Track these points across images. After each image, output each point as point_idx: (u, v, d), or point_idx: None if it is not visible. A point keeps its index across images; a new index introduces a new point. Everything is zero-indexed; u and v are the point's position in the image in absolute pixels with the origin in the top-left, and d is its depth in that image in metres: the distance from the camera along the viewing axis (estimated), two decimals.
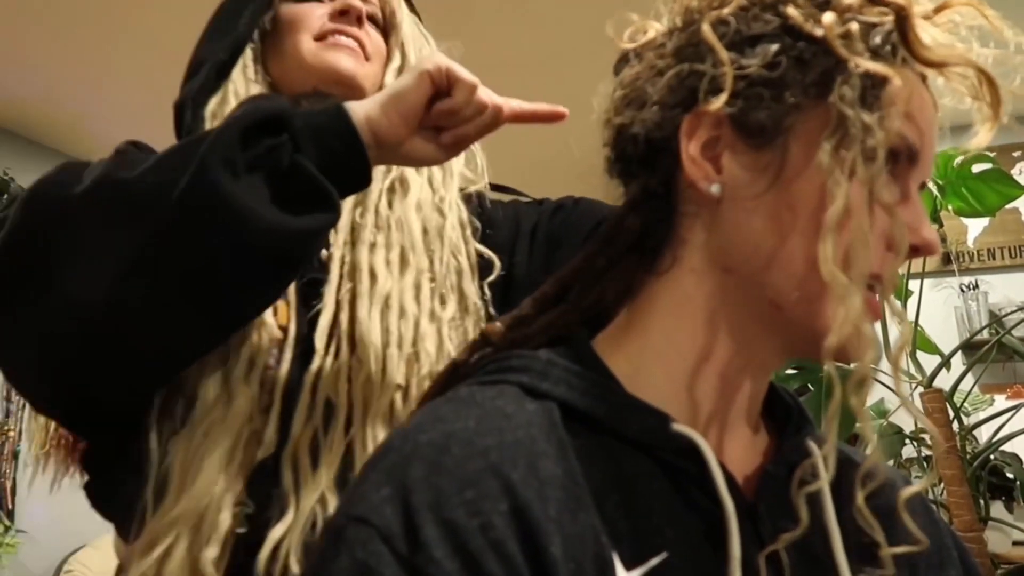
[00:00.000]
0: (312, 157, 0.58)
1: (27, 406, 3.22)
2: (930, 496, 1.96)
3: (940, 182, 1.90)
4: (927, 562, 0.54)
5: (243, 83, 0.77)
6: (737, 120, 0.48)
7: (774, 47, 0.48)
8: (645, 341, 0.51)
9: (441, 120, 0.65)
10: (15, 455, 3.15)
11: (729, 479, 0.47)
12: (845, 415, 0.45)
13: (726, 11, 0.49)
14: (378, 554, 0.39)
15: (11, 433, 3.15)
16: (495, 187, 0.88)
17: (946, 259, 3.16)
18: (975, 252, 3.27)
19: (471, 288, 0.78)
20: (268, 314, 0.68)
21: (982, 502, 2.02)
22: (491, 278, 0.79)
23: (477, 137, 0.66)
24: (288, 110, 0.59)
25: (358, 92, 0.78)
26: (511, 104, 0.66)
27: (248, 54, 0.79)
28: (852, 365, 0.46)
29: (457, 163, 0.83)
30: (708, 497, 0.47)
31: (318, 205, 0.58)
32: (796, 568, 0.47)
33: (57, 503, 3.28)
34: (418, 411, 0.49)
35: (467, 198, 0.85)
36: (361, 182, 0.62)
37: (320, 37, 0.78)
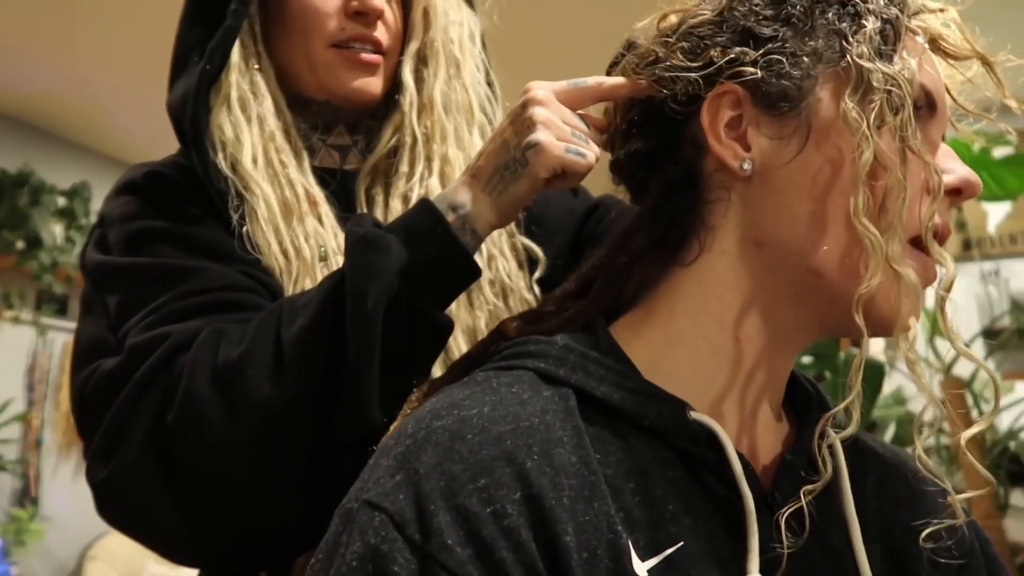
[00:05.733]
0: (435, 308, 0.60)
1: (49, 395, 3.27)
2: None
3: None
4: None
5: (246, 81, 0.73)
6: (759, 92, 0.49)
7: (780, 20, 0.49)
8: (668, 328, 0.51)
9: None
10: (38, 443, 3.20)
11: (747, 467, 0.47)
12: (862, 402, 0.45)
13: None
14: (391, 540, 0.39)
15: (34, 422, 3.20)
16: None
17: (966, 245, 3.12)
18: (997, 238, 3.23)
19: (520, 283, 0.78)
20: None
21: (1001, 490, 2.00)
22: (538, 274, 0.78)
23: None
24: (406, 287, 0.58)
25: (371, 103, 0.77)
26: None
27: (246, 32, 0.73)
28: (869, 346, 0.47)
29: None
30: (725, 486, 0.46)
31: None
32: (815, 559, 0.47)
33: (81, 490, 3.34)
34: (433, 396, 0.49)
35: None
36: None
37: (336, 44, 0.74)
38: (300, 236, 0.70)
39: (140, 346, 0.61)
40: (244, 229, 0.68)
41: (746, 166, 0.49)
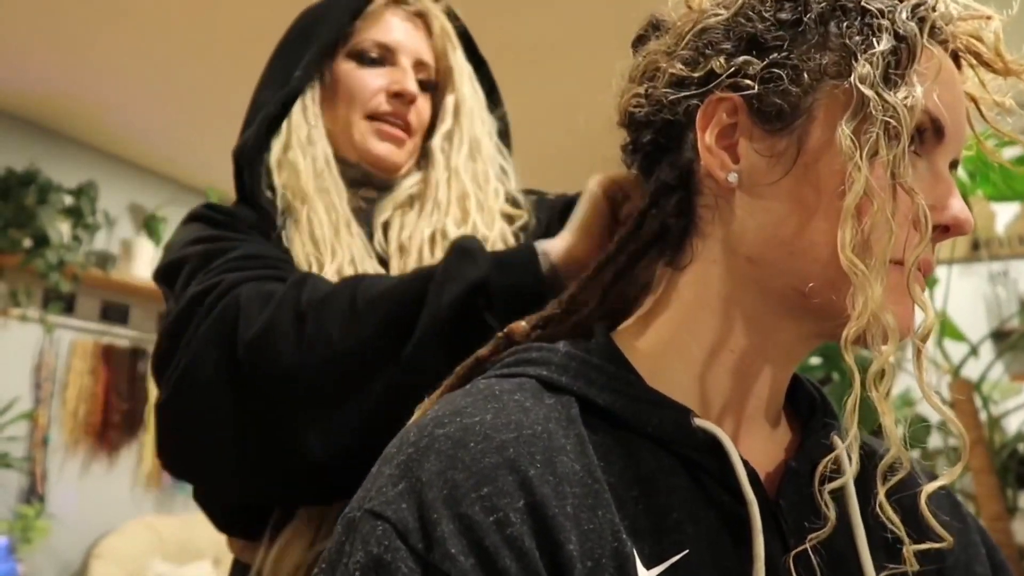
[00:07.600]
0: (500, 314, 0.65)
1: (55, 393, 3.28)
2: (956, 486, 1.94)
3: (970, 168, 1.86)
4: (955, 559, 0.53)
5: (304, 129, 0.86)
6: (754, 106, 0.48)
7: (791, 27, 0.47)
8: (666, 334, 0.51)
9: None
10: (45, 441, 3.21)
11: (751, 475, 0.46)
12: (869, 407, 0.44)
13: None
14: (394, 549, 0.39)
15: (41, 420, 3.21)
16: (524, 191, 0.93)
17: (975, 245, 3.10)
18: (1005, 239, 3.21)
19: None
20: None
21: (1010, 492, 1.99)
22: None
23: None
24: (489, 281, 0.65)
25: (395, 171, 0.89)
26: None
27: (308, 96, 0.87)
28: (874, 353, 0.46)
29: (497, 202, 0.89)
30: (729, 493, 0.46)
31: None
32: (820, 565, 0.46)
33: (87, 488, 3.35)
34: (435, 403, 0.49)
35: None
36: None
37: (372, 116, 0.87)
38: (330, 249, 0.80)
39: (198, 294, 0.70)
40: (283, 232, 0.81)
41: (731, 178, 0.48)
